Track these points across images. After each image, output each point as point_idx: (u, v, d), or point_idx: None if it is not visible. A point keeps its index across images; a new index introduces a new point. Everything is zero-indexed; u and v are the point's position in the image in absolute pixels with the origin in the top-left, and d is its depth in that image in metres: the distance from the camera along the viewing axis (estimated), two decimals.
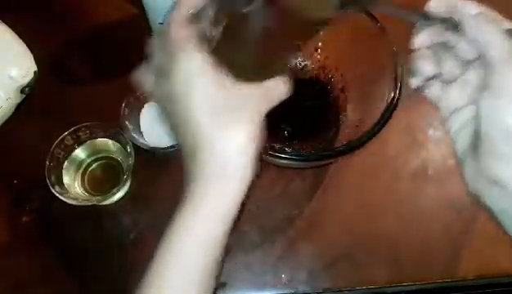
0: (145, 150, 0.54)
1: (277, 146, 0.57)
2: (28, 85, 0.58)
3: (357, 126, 0.54)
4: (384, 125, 0.47)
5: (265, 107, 0.35)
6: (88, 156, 0.56)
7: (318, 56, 0.61)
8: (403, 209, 0.56)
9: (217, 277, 0.34)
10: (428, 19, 0.34)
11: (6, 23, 0.60)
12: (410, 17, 0.35)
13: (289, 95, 0.36)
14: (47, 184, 0.49)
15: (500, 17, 0.33)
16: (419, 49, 0.36)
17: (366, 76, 0.56)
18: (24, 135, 0.59)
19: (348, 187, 0.57)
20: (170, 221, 0.33)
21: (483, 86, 0.31)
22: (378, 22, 0.52)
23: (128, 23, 0.66)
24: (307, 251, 0.53)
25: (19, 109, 0.59)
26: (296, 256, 0.53)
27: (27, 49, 0.60)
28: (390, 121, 0.47)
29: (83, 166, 0.56)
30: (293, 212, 0.55)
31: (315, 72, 0.61)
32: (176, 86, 0.32)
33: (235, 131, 0.32)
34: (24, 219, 0.54)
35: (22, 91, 0.58)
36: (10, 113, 0.58)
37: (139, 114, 0.58)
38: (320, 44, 0.60)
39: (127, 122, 0.55)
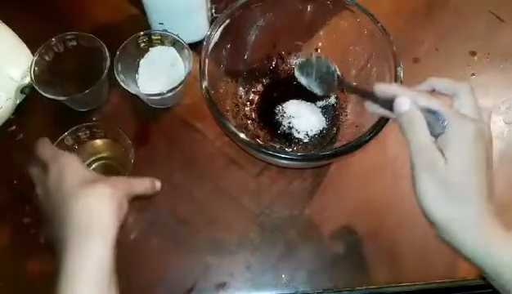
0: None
1: (277, 146, 0.57)
2: (28, 85, 0.58)
3: (357, 126, 0.54)
4: (383, 125, 0.47)
5: (127, 189, 0.43)
6: (88, 156, 0.56)
7: None
8: (403, 209, 0.55)
9: None
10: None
11: (6, 23, 0.60)
12: (371, 100, 0.43)
13: (154, 193, 0.47)
14: None
15: (421, 96, 0.39)
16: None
17: (366, 76, 0.56)
18: (24, 135, 0.59)
19: (348, 187, 0.57)
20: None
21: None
22: (378, 22, 0.52)
23: (128, 23, 0.66)
24: (307, 251, 0.53)
25: (19, 109, 0.59)
26: (296, 256, 0.53)
27: (27, 49, 0.60)
28: (390, 121, 0.47)
29: None
30: (293, 212, 0.55)
31: None
32: (52, 177, 0.41)
33: (98, 195, 0.39)
34: (24, 219, 0.54)
35: (22, 91, 0.58)
36: (10, 113, 0.58)
37: (136, 62, 0.59)
38: (320, 44, 0.61)
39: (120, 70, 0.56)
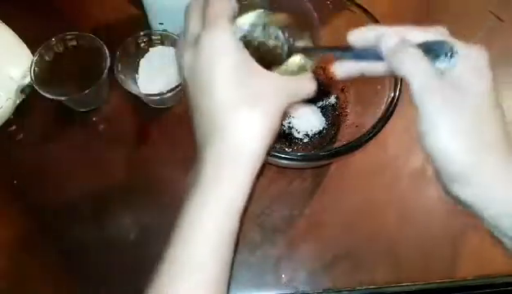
0: None
1: (277, 146, 0.57)
2: (28, 85, 0.58)
3: (357, 126, 0.54)
4: (384, 125, 0.47)
5: (289, 101, 0.33)
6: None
7: None
8: (403, 209, 0.56)
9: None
10: (357, 55, 0.35)
11: (6, 23, 0.60)
12: (344, 55, 0.37)
13: (312, 95, 0.35)
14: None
15: (412, 29, 0.33)
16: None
17: (366, 76, 0.56)
18: (24, 135, 0.59)
19: (348, 187, 0.57)
20: (184, 199, 0.33)
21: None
22: (378, 22, 0.52)
23: (128, 23, 0.66)
24: (307, 251, 0.53)
25: (19, 109, 0.59)
26: (296, 256, 0.53)
27: (27, 49, 0.60)
28: (390, 121, 0.47)
29: None
30: (293, 212, 0.55)
31: (315, 72, 0.61)
32: (200, 59, 0.31)
33: (254, 116, 0.31)
34: (23, 219, 0.54)
35: (22, 91, 0.58)
36: (10, 113, 0.58)
37: (136, 62, 0.59)
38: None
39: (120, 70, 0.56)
